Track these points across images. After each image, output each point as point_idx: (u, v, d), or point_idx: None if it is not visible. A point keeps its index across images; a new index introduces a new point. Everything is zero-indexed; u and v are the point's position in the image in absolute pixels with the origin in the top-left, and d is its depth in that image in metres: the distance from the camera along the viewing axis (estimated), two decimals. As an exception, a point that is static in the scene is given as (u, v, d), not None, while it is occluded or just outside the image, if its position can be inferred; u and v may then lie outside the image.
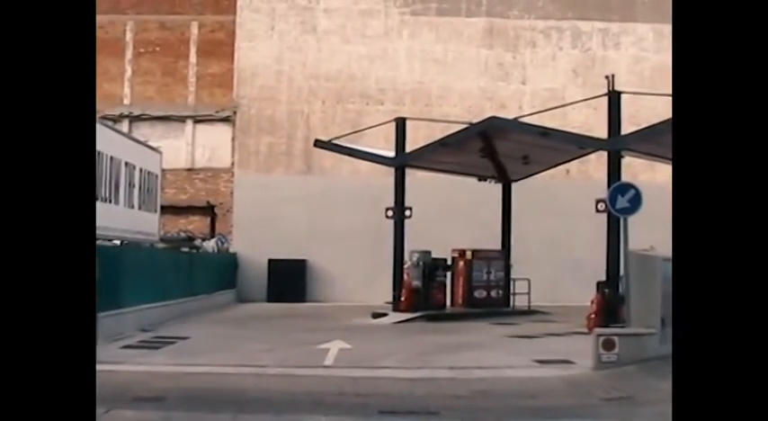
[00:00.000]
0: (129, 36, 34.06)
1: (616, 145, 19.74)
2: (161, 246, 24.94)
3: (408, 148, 24.16)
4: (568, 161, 26.57)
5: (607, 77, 20.31)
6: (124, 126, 32.26)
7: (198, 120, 33.72)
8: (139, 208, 21.18)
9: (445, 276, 24.91)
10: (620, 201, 15.07)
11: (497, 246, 26.21)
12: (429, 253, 24.17)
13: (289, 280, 29.64)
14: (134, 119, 33.52)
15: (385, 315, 22.79)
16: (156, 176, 22.86)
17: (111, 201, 18.87)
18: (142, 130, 31.83)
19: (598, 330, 14.66)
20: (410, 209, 23.93)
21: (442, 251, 24.73)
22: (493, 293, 25.64)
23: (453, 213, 29.27)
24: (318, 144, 26.45)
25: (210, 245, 30.92)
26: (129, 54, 34.03)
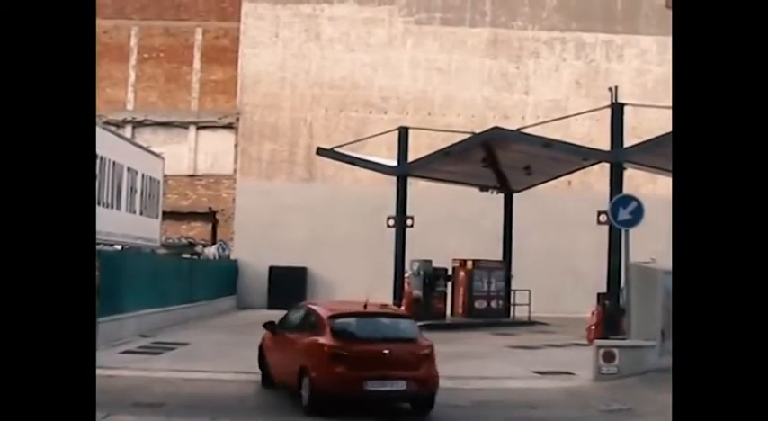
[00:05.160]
0: (133, 41, 34.08)
1: (618, 157, 19.73)
2: (162, 251, 24.92)
3: (411, 158, 24.16)
4: (570, 172, 26.56)
5: (610, 89, 20.32)
6: (127, 131, 32.23)
7: (201, 127, 33.69)
8: (141, 213, 21.15)
9: (446, 286, 24.91)
10: (622, 214, 15.06)
11: (498, 256, 26.19)
12: (430, 262, 24.15)
13: (289, 287, 29.56)
14: (137, 124, 33.51)
15: (385, 324, 22.70)
16: (159, 182, 22.86)
17: (112, 207, 18.86)
18: (145, 136, 31.82)
19: (598, 342, 14.65)
20: (411, 218, 23.91)
21: (442, 261, 24.72)
22: (493, 304, 25.61)
23: (455, 223, 29.25)
24: (321, 152, 26.45)
25: (211, 251, 30.90)
26: (133, 59, 34.04)
